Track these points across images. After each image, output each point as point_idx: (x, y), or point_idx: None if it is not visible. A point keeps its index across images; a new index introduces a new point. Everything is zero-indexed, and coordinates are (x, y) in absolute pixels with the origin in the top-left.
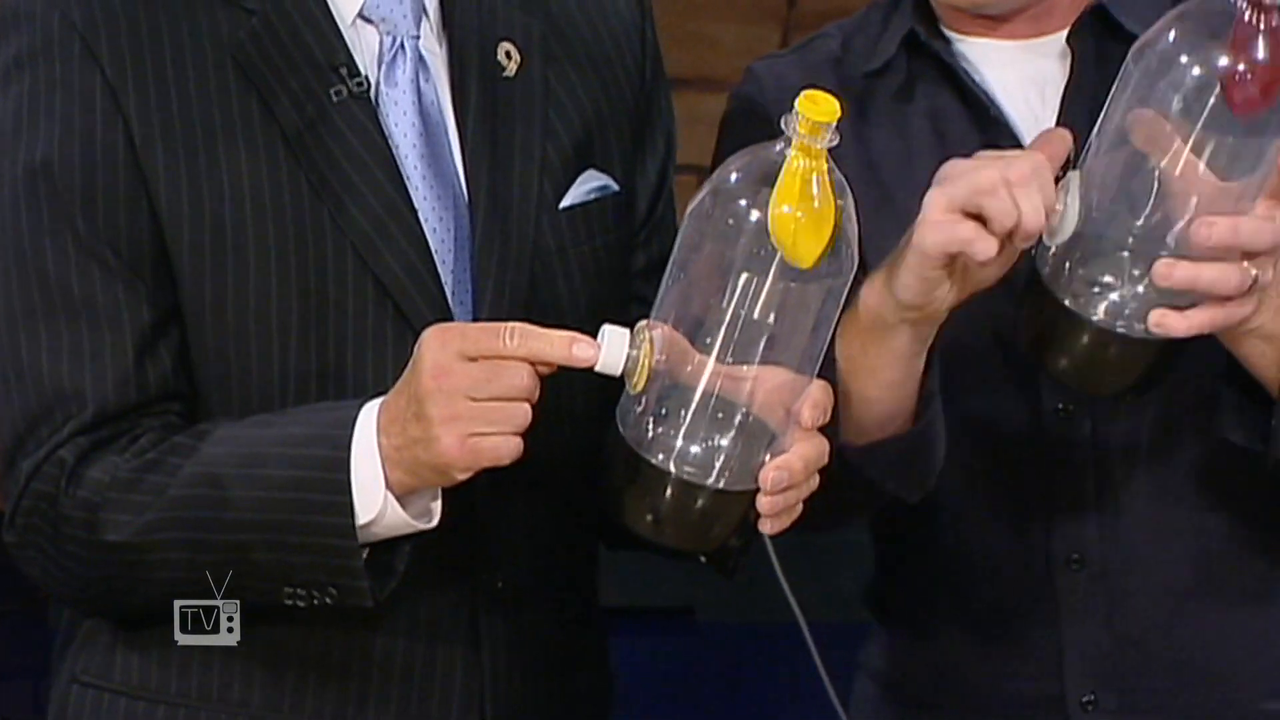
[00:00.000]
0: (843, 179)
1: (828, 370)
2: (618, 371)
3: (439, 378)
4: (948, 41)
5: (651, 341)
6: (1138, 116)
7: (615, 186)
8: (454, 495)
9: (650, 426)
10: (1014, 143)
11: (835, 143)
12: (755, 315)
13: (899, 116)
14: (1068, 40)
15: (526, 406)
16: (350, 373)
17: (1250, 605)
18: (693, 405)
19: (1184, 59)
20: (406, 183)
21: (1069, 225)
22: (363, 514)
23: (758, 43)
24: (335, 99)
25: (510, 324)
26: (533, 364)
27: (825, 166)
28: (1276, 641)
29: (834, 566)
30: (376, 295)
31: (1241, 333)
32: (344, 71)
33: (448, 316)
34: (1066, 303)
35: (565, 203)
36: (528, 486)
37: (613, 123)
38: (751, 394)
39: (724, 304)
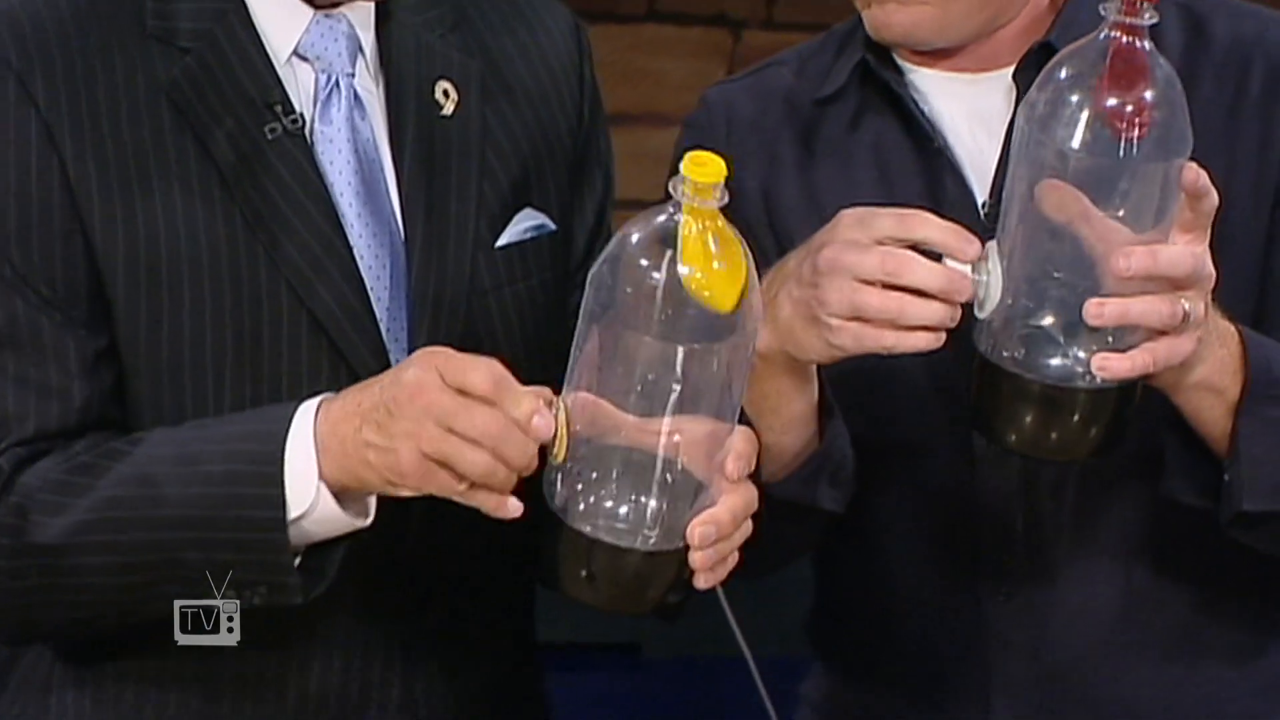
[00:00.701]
0: (737, 233)
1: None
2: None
3: (416, 395)
4: (900, 72)
5: (568, 410)
6: (1045, 187)
7: (552, 226)
8: (386, 531)
9: (575, 495)
10: (956, 177)
11: (725, 200)
12: (667, 376)
13: (845, 146)
14: (1013, 77)
15: (488, 456)
16: None
17: (1172, 651)
18: (614, 469)
19: (1067, 103)
20: (342, 220)
21: (994, 295)
22: (295, 507)
23: (704, 78)
24: (270, 136)
25: (491, 371)
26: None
27: (718, 224)
28: (1197, 688)
29: (779, 600)
30: (311, 331)
31: (1186, 385)
32: (279, 109)
33: (383, 353)
34: (1014, 371)
35: (501, 241)
36: (461, 521)
37: (550, 162)
38: (673, 450)
39: (635, 369)
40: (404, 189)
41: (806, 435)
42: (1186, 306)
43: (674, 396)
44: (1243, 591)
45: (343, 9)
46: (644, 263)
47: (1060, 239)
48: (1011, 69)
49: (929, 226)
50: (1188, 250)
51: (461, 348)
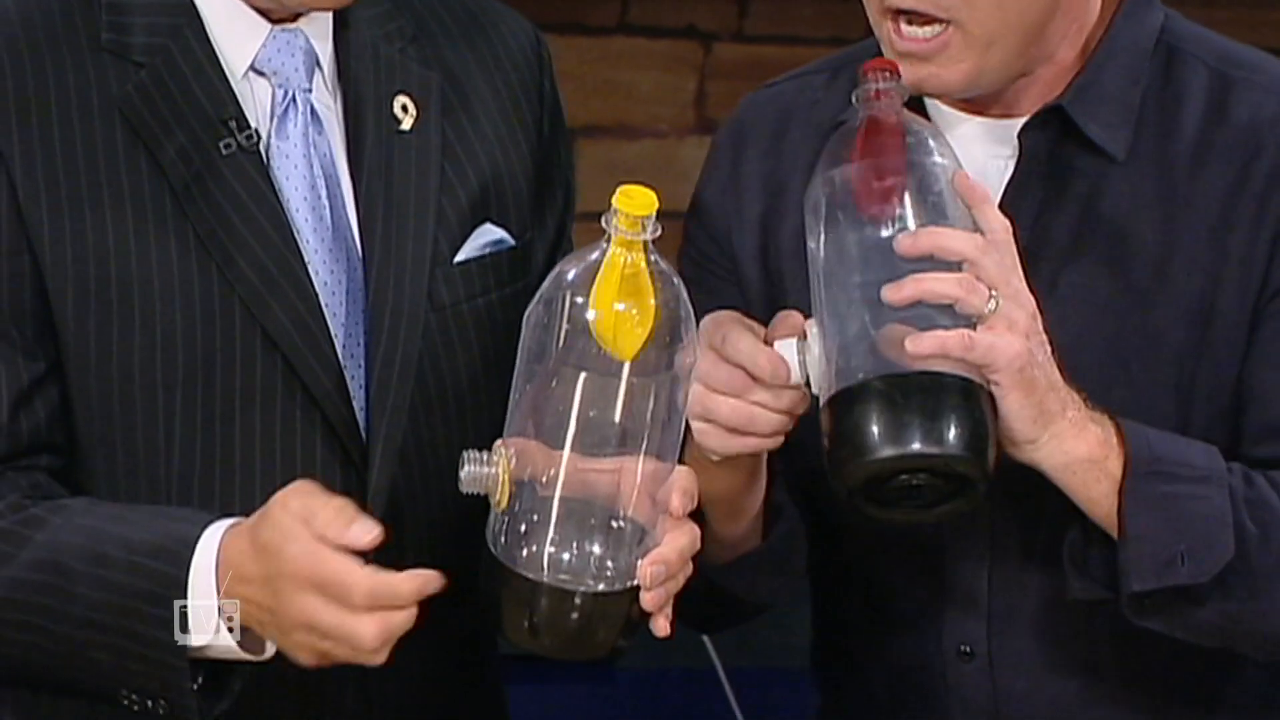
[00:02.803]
0: (668, 268)
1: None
2: (481, 491)
3: (304, 617)
4: (921, 104)
5: (508, 458)
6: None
7: (512, 240)
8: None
9: (519, 541)
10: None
11: (657, 234)
12: (605, 415)
13: None
14: (1018, 135)
15: (384, 653)
16: (238, 427)
17: (1135, 714)
18: (555, 512)
19: (832, 171)
20: (297, 236)
21: (820, 369)
22: (197, 636)
23: (674, 91)
24: (225, 152)
25: (357, 585)
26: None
27: (644, 260)
28: None
29: None
30: (265, 348)
31: (1071, 461)
32: (233, 125)
33: (337, 370)
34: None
35: (460, 257)
36: (416, 545)
37: (509, 176)
38: (615, 491)
39: (573, 408)
40: (361, 205)
41: (748, 529)
42: (997, 301)
43: (612, 434)
44: (1214, 672)
45: (299, 23)
46: (577, 300)
47: (865, 275)
48: (1022, 121)
49: (757, 356)
50: (967, 234)
51: (419, 362)
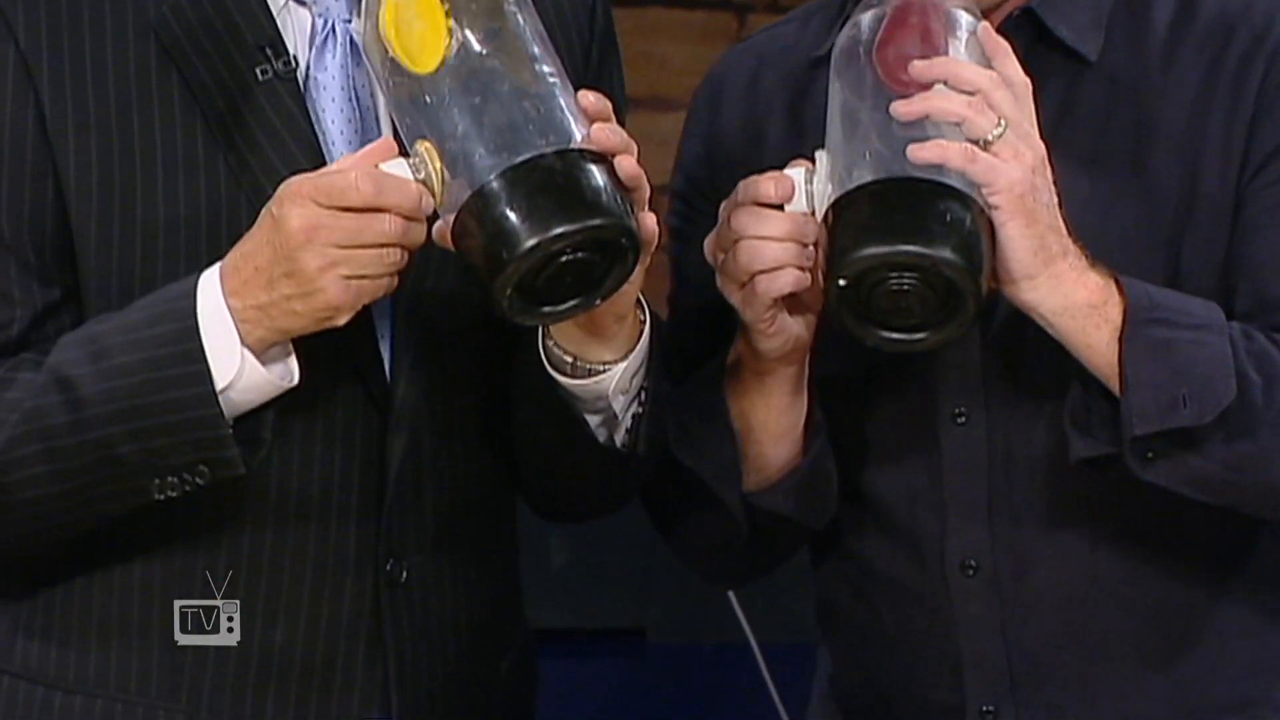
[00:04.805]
0: None
1: (722, 432)
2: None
3: (310, 232)
4: None
5: (428, 151)
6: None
7: None
8: (359, 477)
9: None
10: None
11: None
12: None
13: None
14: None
15: (399, 251)
16: None
17: (1143, 624)
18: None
19: (846, 31)
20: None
21: (825, 195)
22: (220, 378)
23: (708, 63)
24: (261, 78)
25: (358, 173)
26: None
27: None
28: (1169, 661)
29: (785, 587)
30: None
31: (1071, 307)
32: (270, 52)
33: (365, 307)
34: (862, 183)
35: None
36: (435, 473)
37: None
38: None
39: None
40: (398, 136)
41: (792, 449)
42: (1005, 128)
43: (496, 76)
44: (1216, 576)
45: None
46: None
47: (877, 109)
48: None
49: (761, 181)
50: (989, 71)
51: (451, 287)
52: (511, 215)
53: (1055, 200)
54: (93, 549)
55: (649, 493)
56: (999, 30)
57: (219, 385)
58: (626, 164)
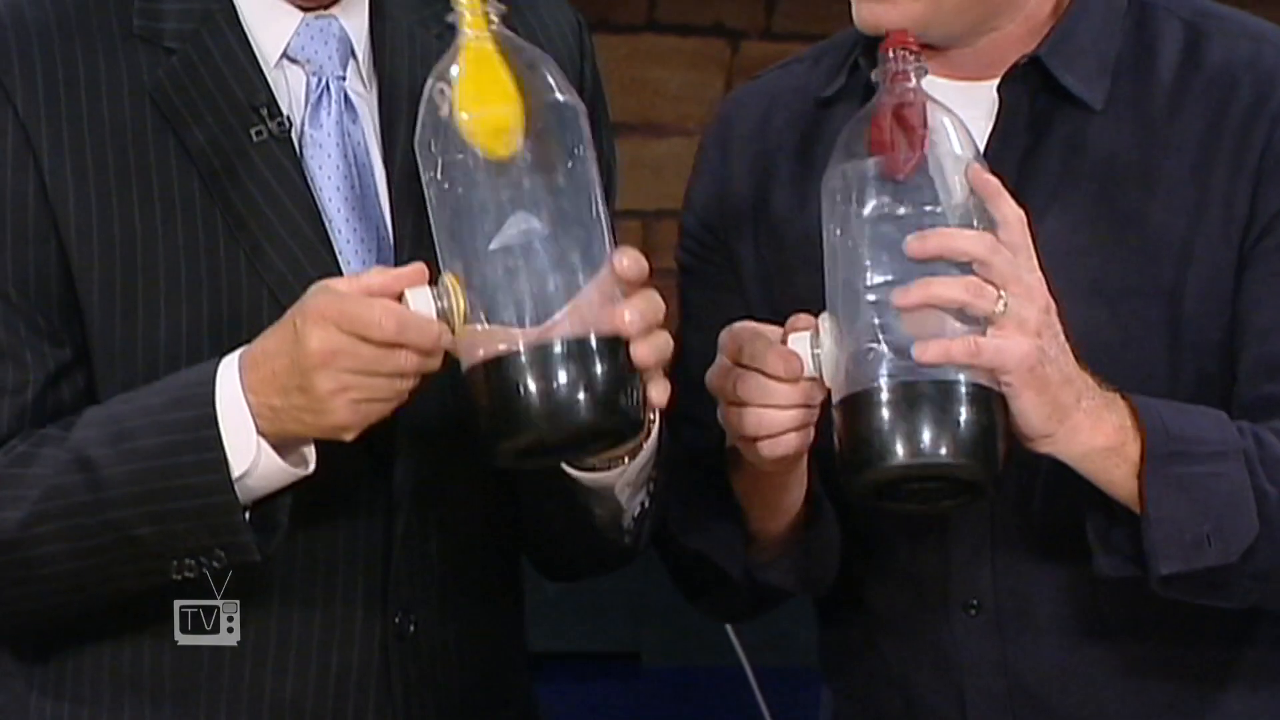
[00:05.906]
0: (522, 42)
1: (727, 511)
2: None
3: (328, 357)
4: None
5: (454, 285)
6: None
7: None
8: (365, 533)
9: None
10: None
11: (502, 9)
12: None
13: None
14: (997, 88)
15: (412, 380)
16: None
17: (1141, 667)
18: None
19: (847, 164)
20: (328, 225)
21: (832, 363)
22: (237, 466)
23: (701, 89)
24: (255, 139)
25: (383, 308)
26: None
27: (494, 48)
28: (1171, 702)
29: (779, 611)
30: None
31: (1088, 452)
32: (265, 112)
33: None
34: (871, 387)
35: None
36: (441, 526)
37: None
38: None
39: (488, 209)
40: (394, 194)
41: (794, 521)
42: (1006, 302)
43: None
44: (1218, 615)
45: (334, 10)
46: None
47: (880, 266)
48: (998, 80)
49: (767, 355)
50: (979, 235)
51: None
52: (523, 396)
53: (1065, 344)
54: (108, 612)
55: (654, 539)
56: (1005, 81)
57: (236, 473)
58: (642, 352)
